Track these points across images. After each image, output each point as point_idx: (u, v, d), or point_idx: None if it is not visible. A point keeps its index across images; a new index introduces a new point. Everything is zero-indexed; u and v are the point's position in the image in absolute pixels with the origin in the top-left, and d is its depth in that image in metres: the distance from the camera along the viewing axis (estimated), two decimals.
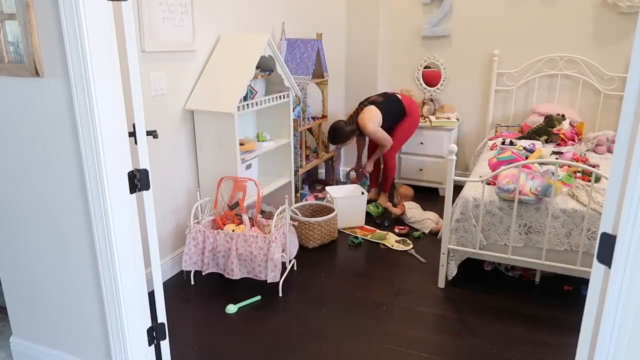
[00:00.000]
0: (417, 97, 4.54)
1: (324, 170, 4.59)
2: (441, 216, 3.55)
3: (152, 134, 1.82)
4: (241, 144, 3.06)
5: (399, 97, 3.94)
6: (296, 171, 3.76)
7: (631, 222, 0.90)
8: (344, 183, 4.38)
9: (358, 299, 2.71)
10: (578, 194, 2.57)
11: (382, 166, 4.05)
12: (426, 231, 3.57)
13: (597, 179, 2.60)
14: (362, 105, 3.85)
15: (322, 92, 4.18)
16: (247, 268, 2.69)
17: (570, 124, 3.78)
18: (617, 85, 3.88)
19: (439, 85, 4.46)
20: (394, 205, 3.85)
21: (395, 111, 3.87)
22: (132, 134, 1.65)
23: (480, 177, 2.75)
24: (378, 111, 3.78)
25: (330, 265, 3.11)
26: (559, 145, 3.61)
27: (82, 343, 1.93)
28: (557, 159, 3.17)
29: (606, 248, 0.98)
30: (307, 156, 4.06)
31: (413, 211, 3.71)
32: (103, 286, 1.74)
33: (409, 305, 2.64)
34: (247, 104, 3.00)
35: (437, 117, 4.25)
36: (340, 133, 3.75)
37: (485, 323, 2.47)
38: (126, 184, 1.67)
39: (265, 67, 3.27)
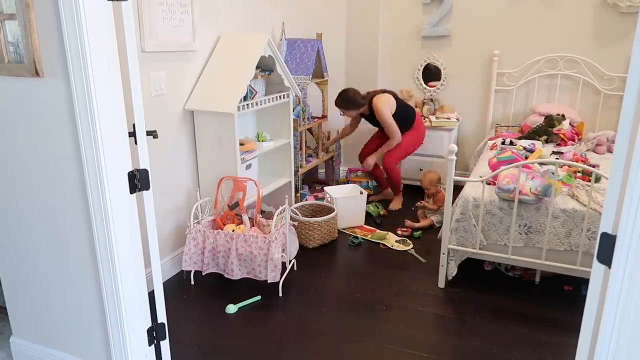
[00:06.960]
0: (417, 97, 4.54)
1: (324, 171, 4.59)
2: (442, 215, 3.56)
3: (152, 134, 1.81)
4: (241, 144, 3.05)
5: (414, 108, 3.98)
6: (296, 171, 3.76)
7: (631, 222, 0.90)
8: (345, 183, 4.34)
9: (358, 299, 2.71)
10: (578, 194, 2.57)
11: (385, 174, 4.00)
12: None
13: (597, 179, 2.60)
14: (379, 91, 3.87)
15: (322, 92, 4.18)
16: (247, 268, 2.69)
17: (570, 124, 3.78)
18: (617, 85, 3.88)
19: (439, 85, 4.46)
20: (424, 211, 3.76)
21: (405, 115, 3.86)
22: (132, 134, 1.65)
23: (480, 177, 2.75)
24: (394, 100, 3.80)
25: (330, 265, 3.11)
26: (559, 145, 3.61)
27: (82, 343, 1.93)
28: (557, 159, 3.17)
29: (606, 248, 0.98)
30: (309, 155, 4.06)
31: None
32: (103, 286, 1.74)
33: (409, 305, 2.64)
34: (247, 104, 3.00)
35: (437, 117, 4.25)
36: (349, 97, 3.75)
37: (485, 323, 2.47)
38: (126, 184, 1.67)
39: (265, 67, 3.27)
